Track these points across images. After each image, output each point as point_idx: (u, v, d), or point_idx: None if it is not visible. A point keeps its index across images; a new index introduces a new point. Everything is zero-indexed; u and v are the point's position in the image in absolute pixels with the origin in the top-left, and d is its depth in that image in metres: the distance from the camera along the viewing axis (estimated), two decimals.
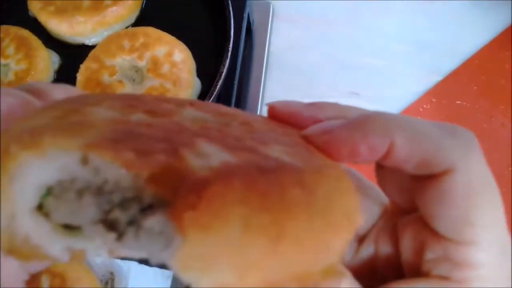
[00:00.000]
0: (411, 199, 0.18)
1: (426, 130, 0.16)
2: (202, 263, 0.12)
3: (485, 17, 0.62)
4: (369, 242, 0.20)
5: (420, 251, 0.18)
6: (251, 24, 0.60)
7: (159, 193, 0.13)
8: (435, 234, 0.17)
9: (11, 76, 0.49)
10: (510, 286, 0.17)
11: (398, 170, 0.17)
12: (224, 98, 0.51)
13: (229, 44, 0.47)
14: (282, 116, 0.19)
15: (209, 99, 0.45)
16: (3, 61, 0.50)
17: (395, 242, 0.19)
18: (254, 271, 0.12)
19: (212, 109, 0.18)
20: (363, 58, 0.62)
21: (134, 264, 0.51)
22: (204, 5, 0.53)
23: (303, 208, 0.13)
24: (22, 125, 0.14)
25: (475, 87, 0.58)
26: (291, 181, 0.14)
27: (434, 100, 0.58)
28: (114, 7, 0.51)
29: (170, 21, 0.53)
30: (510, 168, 0.55)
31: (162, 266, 0.51)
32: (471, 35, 0.61)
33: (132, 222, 0.13)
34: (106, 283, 0.52)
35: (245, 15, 0.53)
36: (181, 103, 0.17)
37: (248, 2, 0.54)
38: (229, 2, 0.49)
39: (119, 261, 0.52)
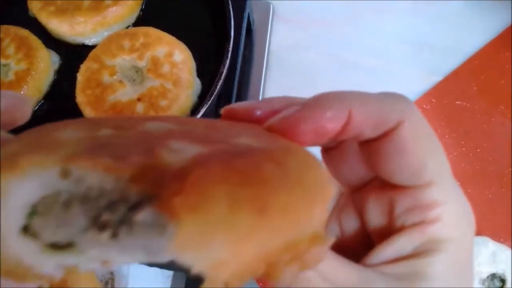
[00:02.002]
0: (364, 172, 0.20)
1: (373, 95, 0.18)
2: (197, 243, 0.12)
3: (485, 17, 0.62)
4: (332, 224, 0.22)
5: (389, 211, 0.19)
6: (251, 24, 0.60)
7: (144, 190, 0.13)
8: (399, 188, 0.19)
9: (11, 76, 0.49)
10: (469, 213, 0.20)
11: (345, 149, 0.20)
12: (224, 98, 0.51)
13: (229, 44, 0.47)
14: (239, 115, 0.19)
15: (209, 99, 0.46)
16: (3, 61, 0.50)
17: (359, 215, 0.21)
18: (247, 245, 0.13)
19: (174, 120, 0.19)
20: (363, 58, 0.62)
21: (134, 264, 0.51)
22: (204, 6, 0.53)
23: (280, 180, 0.14)
24: None
25: (475, 87, 0.58)
26: (265, 158, 0.14)
27: (434, 100, 0.58)
28: (115, 7, 0.51)
29: (170, 21, 0.53)
30: (511, 168, 0.55)
31: (162, 266, 0.51)
32: (471, 35, 0.61)
33: (123, 221, 0.14)
34: (106, 283, 0.52)
35: (245, 15, 0.53)
36: (143, 119, 0.18)
37: (248, 2, 0.54)
38: (229, 2, 0.49)
39: None
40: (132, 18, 0.53)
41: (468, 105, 0.58)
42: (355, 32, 0.63)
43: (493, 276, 0.49)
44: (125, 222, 0.14)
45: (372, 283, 0.18)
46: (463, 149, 0.56)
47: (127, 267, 0.52)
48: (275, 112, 0.18)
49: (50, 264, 0.14)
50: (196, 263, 0.13)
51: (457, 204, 0.19)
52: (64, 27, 0.51)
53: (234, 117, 0.19)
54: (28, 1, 0.53)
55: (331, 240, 0.16)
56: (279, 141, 0.17)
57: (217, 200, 0.13)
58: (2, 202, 0.14)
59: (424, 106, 0.58)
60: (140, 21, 0.53)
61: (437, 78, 0.59)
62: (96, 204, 0.14)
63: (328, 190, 0.16)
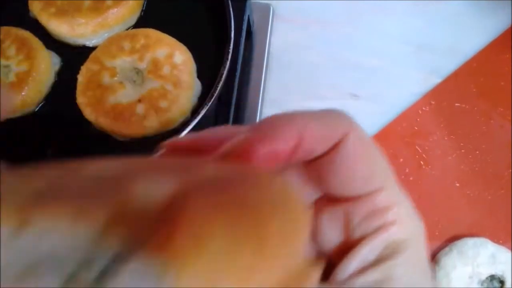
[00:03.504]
0: (308, 193, 0.20)
1: (318, 113, 0.19)
2: (205, 284, 0.11)
3: (485, 18, 0.62)
4: None
5: (345, 224, 0.19)
6: (251, 25, 0.60)
7: (124, 237, 0.11)
8: (351, 199, 0.19)
9: (12, 77, 0.49)
10: (414, 209, 0.20)
11: (288, 172, 0.20)
12: (224, 99, 0.51)
13: (229, 46, 0.47)
14: (184, 148, 0.19)
15: (210, 100, 0.46)
16: (4, 62, 0.50)
17: (312, 237, 0.21)
18: (254, 275, 0.12)
19: (122, 160, 0.16)
20: (363, 59, 0.62)
21: None
22: (204, 7, 0.53)
23: (269, 209, 0.14)
24: None
25: (474, 89, 0.59)
26: (247, 186, 0.14)
27: (433, 102, 0.58)
28: (115, 9, 0.51)
29: (171, 22, 0.53)
30: (510, 170, 0.55)
31: None
32: (471, 36, 0.61)
33: (104, 275, 0.11)
34: None
35: (246, 17, 0.53)
36: (83, 164, 0.15)
37: (248, 4, 0.54)
38: (230, 4, 0.49)
39: None
40: (133, 19, 0.53)
41: (467, 107, 0.58)
42: (355, 33, 0.63)
43: (492, 277, 0.50)
44: (108, 276, 0.11)
45: None
46: (462, 150, 0.56)
47: None
48: (221, 141, 0.18)
49: None
50: None
51: (406, 203, 0.19)
52: (65, 28, 0.51)
53: (178, 150, 0.19)
54: (29, 3, 0.53)
55: (321, 266, 0.16)
56: (241, 168, 0.16)
57: (216, 240, 0.12)
58: None
59: (424, 108, 0.58)
60: (140, 23, 0.54)
61: (436, 79, 0.60)
62: (67, 263, 0.11)
63: (307, 212, 0.16)
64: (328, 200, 0.20)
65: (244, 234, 0.13)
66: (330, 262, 0.19)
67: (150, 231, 0.11)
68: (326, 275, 0.19)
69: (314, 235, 0.20)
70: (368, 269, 0.18)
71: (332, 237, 0.20)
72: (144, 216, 0.12)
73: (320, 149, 0.18)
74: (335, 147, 0.18)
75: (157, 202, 0.12)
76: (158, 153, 0.19)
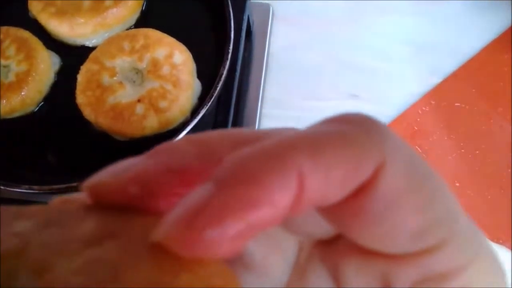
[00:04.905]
0: (329, 225, 0.14)
1: (330, 132, 0.12)
2: None
3: (485, 18, 0.62)
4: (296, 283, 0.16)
5: (383, 283, 0.13)
6: (251, 25, 0.60)
7: None
8: (395, 258, 0.13)
9: (11, 77, 0.49)
10: (498, 259, 0.14)
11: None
12: (224, 99, 0.51)
13: (229, 46, 0.47)
14: (111, 194, 0.12)
15: (209, 101, 0.46)
16: (3, 62, 0.50)
17: (334, 278, 0.15)
18: None
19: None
20: (362, 59, 0.62)
21: None
22: (204, 7, 0.53)
23: None
24: None
25: (474, 90, 0.59)
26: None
27: (433, 102, 0.58)
28: (115, 9, 0.51)
29: (171, 22, 0.53)
30: (510, 170, 0.55)
31: None
32: (471, 36, 0.61)
33: None
34: None
35: (245, 17, 0.53)
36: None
37: (248, 4, 0.54)
38: (229, 4, 0.49)
39: None
40: (133, 19, 0.53)
41: (467, 107, 0.58)
42: (355, 33, 0.63)
43: None
44: None
45: None
46: (462, 150, 0.56)
47: None
48: (161, 185, 0.12)
49: None
50: None
51: (485, 255, 0.14)
52: (64, 29, 0.51)
53: (104, 198, 0.12)
54: (29, 2, 0.53)
55: None
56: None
57: None
58: None
59: (424, 108, 0.58)
60: (140, 22, 0.54)
61: (436, 79, 0.60)
62: None
63: None
64: (353, 247, 0.14)
65: None
66: None
67: None
68: None
69: (335, 277, 0.15)
70: None
71: None
72: None
73: (335, 195, 0.11)
74: (363, 189, 0.12)
75: None
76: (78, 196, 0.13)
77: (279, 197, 0.10)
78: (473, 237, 0.13)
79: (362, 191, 0.12)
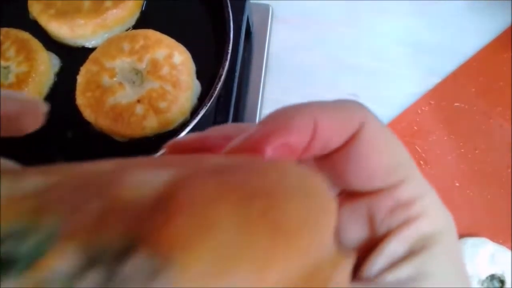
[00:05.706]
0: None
1: (331, 102, 0.18)
2: (213, 276, 0.10)
3: (485, 18, 0.62)
4: None
5: (369, 220, 0.18)
6: (250, 26, 0.60)
7: (120, 233, 0.10)
8: (373, 193, 0.18)
9: (11, 79, 0.49)
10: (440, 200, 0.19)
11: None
12: (223, 100, 0.52)
13: (228, 46, 0.47)
14: (186, 148, 0.18)
15: (209, 101, 0.46)
16: (3, 64, 0.50)
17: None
18: (271, 271, 0.11)
19: (118, 161, 0.15)
20: (362, 60, 0.62)
21: None
22: (203, 8, 0.53)
23: (286, 191, 0.12)
24: None
25: (473, 89, 0.59)
26: (256, 171, 0.12)
27: (433, 102, 0.58)
28: (114, 10, 0.51)
29: (170, 23, 0.53)
30: (509, 170, 0.55)
31: None
32: (470, 36, 0.61)
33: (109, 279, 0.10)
34: None
35: (245, 18, 0.53)
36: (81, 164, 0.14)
37: (247, 4, 0.54)
38: (229, 4, 0.49)
39: None
40: (132, 20, 0.53)
41: (466, 107, 0.58)
42: (354, 33, 0.63)
43: (492, 277, 0.50)
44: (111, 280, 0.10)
45: None
46: (462, 150, 0.56)
47: None
48: (228, 138, 0.17)
49: None
50: None
51: (432, 194, 0.18)
52: (64, 30, 0.51)
53: (180, 150, 0.18)
54: (29, 4, 0.53)
55: (352, 259, 0.15)
56: (249, 157, 0.15)
57: (222, 222, 0.10)
58: None
59: (423, 108, 0.58)
60: (140, 23, 0.54)
61: (435, 79, 0.60)
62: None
63: (333, 201, 0.14)
64: (347, 196, 0.19)
65: (257, 217, 0.11)
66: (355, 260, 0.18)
67: (145, 222, 0.10)
68: (352, 274, 0.17)
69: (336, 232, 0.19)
70: (399, 264, 0.17)
71: (355, 234, 0.18)
72: (137, 208, 0.11)
73: (336, 141, 0.17)
74: (352, 138, 0.17)
75: (152, 192, 0.11)
76: (159, 154, 0.18)
77: (301, 131, 0.16)
78: (423, 179, 0.18)
79: (352, 139, 0.17)
